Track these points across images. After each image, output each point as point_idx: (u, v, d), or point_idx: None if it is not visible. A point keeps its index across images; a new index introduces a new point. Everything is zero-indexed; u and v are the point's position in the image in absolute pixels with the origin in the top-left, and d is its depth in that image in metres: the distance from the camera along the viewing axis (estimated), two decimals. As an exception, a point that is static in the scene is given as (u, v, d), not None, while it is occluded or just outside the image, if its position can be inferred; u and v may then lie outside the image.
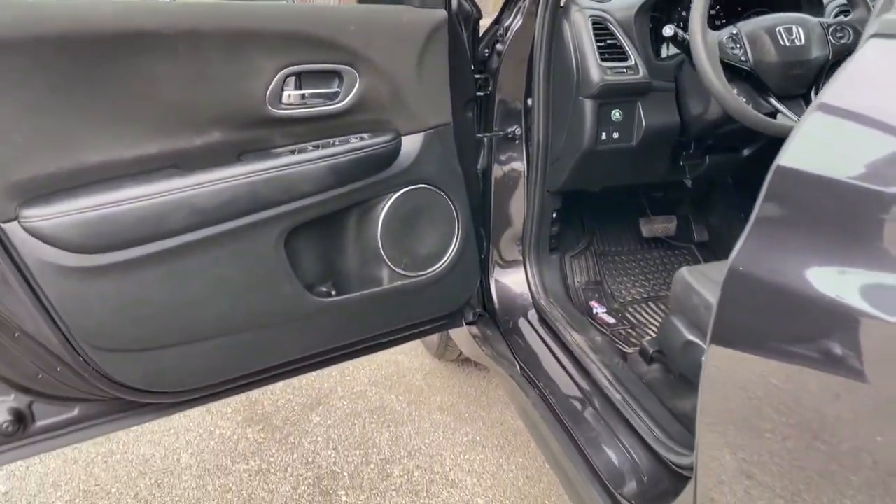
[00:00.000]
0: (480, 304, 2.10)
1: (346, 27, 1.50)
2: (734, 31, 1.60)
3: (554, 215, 2.05)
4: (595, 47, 1.78)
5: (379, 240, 1.68)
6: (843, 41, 1.63)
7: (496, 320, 2.05)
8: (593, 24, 1.82)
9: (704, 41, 1.45)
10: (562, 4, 1.83)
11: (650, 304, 2.25)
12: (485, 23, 1.86)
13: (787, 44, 1.59)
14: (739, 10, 1.94)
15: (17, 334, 1.41)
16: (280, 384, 2.60)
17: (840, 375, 0.71)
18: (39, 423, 1.52)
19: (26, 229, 1.29)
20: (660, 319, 2.15)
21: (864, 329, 0.69)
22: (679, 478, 1.31)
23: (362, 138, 1.60)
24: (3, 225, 1.28)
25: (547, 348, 1.87)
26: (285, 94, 1.50)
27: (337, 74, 1.54)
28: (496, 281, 2.08)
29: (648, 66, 1.81)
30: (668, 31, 1.61)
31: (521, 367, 1.86)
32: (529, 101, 1.90)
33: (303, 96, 1.54)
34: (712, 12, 1.93)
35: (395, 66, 1.57)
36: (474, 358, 2.21)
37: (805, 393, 0.75)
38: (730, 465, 0.87)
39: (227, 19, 1.38)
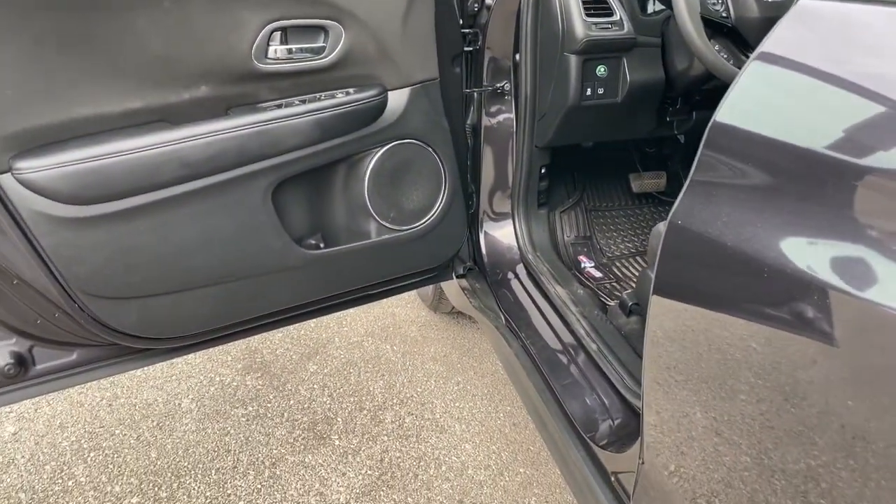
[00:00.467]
0: (470, 258, 2.15)
1: None
2: (717, -14, 1.61)
3: (542, 170, 2.08)
4: (580, 3, 1.79)
5: (366, 194, 1.72)
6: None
7: (485, 273, 2.10)
8: None
9: (685, -4, 1.46)
10: (550, -42, 1.83)
11: (637, 258, 2.29)
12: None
13: None
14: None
15: (15, 281, 1.47)
16: (279, 334, 2.67)
17: (769, 326, 0.76)
18: (40, 367, 1.60)
19: (19, 181, 1.34)
20: (645, 274, 2.19)
21: (790, 282, 0.73)
22: (644, 423, 1.37)
23: (348, 93, 1.63)
24: (-3, 176, 1.33)
25: (531, 301, 1.92)
26: (271, 48, 1.53)
27: (322, 29, 1.56)
28: (486, 235, 2.12)
29: (634, 22, 1.82)
30: None
31: (506, 319, 1.91)
32: (518, 57, 1.91)
33: (289, 51, 1.57)
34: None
35: (380, 20, 1.59)
36: (463, 310, 2.26)
37: (736, 343, 0.80)
38: (672, 415, 0.92)
39: None
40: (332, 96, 1.62)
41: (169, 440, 2.14)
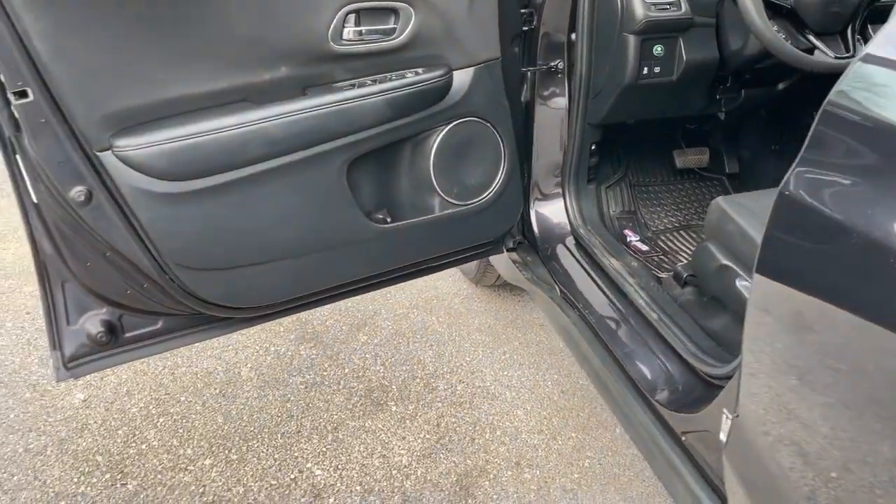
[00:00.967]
0: (520, 232, 2.23)
1: None
2: (776, -32, 1.66)
3: (592, 147, 2.14)
4: (639, -17, 1.84)
5: (431, 170, 1.79)
6: (882, -20, 1.67)
7: (536, 247, 2.17)
8: None
9: (747, -22, 1.52)
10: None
11: (682, 232, 2.36)
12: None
13: None
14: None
15: (108, 254, 1.56)
16: (328, 307, 2.76)
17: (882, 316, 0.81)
18: (128, 334, 1.69)
19: (119, 158, 1.42)
20: (691, 247, 2.26)
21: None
22: (711, 387, 1.45)
23: (417, 73, 1.69)
24: (98, 154, 1.41)
25: (585, 272, 1.99)
26: (346, 30, 1.59)
27: (393, 11, 1.62)
28: (536, 210, 2.20)
29: (690, 2, 1.87)
30: None
31: (561, 290, 1.99)
32: (573, 36, 1.97)
33: (360, 33, 1.63)
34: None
35: (447, 2, 1.65)
36: (514, 282, 2.34)
37: (844, 332, 0.86)
38: (768, 394, 1.00)
39: None
40: (402, 76, 1.69)
41: (233, 406, 2.24)
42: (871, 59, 0.88)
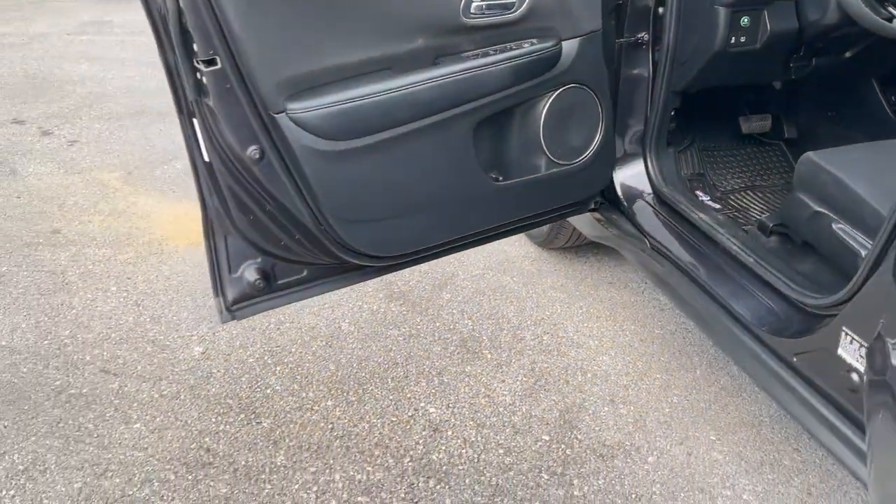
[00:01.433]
0: (600, 193, 2.41)
1: None
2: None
3: (673, 113, 2.33)
4: (730, -43, 2.02)
5: (541, 132, 1.98)
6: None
7: (619, 205, 2.36)
8: None
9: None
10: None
11: (748, 192, 2.55)
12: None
13: None
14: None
15: (268, 207, 1.75)
16: (408, 269, 2.95)
17: None
18: (280, 281, 1.89)
19: (293, 119, 1.61)
20: (760, 204, 2.45)
21: None
22: (814, 317, 1.64)
23: (532, 43, 1.88)
24: (275, 115, 1.60)
25: (674, 226, 2.18)
26: (474, 4, 1.78)
27: None
28: (617, 171, 2.38)
29: (775, -25, 2.05)
30: None
31: (651, 243, 2.19)
32: (660, 10, 2.15)
33: (483, 7, 1.81)
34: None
35: None
36: (597, 239, 2.54)
37: None
38: None
39: None
40: (520, 46, 1.87)
41: (342, 355, 2.44)
42: None
